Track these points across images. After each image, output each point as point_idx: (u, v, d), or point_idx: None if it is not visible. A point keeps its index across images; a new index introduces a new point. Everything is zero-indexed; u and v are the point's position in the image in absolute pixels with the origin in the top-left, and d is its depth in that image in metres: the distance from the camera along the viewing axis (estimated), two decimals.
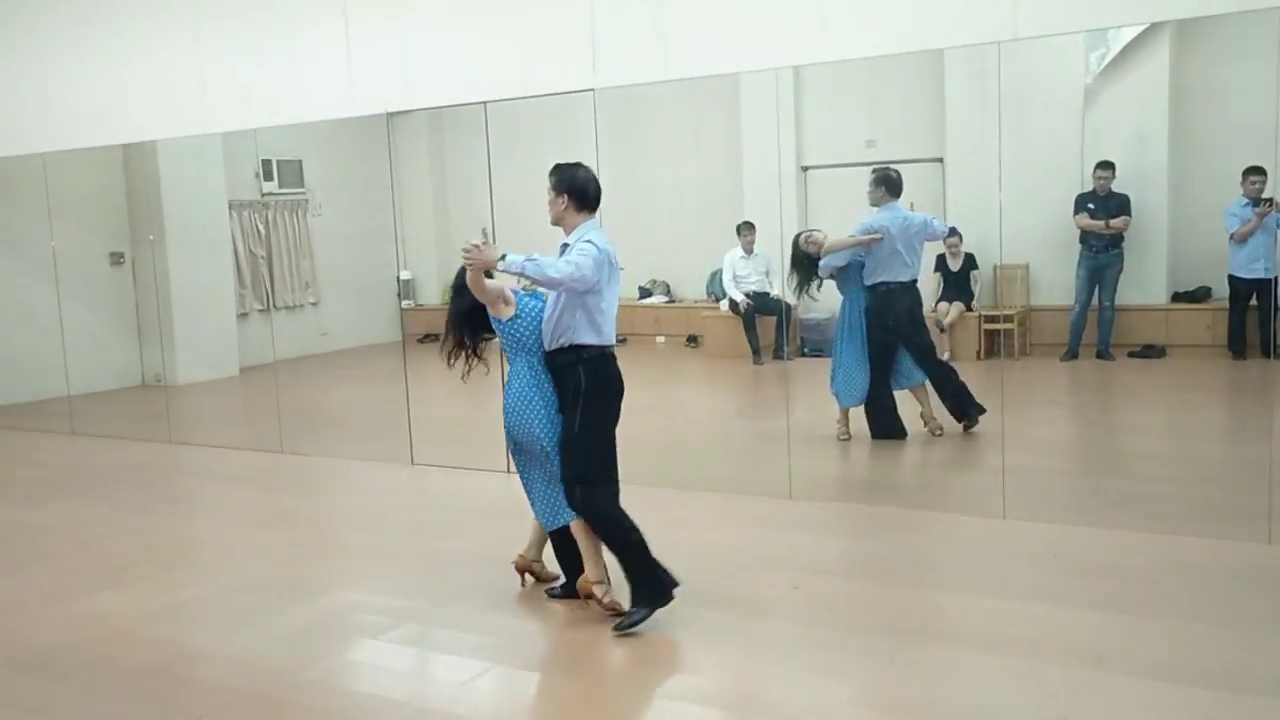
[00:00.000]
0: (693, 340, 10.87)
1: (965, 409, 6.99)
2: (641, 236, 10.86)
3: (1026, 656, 3.76)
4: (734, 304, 9.59)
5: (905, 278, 7.03)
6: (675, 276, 11.58)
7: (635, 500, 6.00)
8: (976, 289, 9.57)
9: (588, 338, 4.36)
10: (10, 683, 4.03)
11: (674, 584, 4.31)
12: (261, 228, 11.77)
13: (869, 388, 7.00)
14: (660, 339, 11.21)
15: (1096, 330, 9.21)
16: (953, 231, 9.50)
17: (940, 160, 9.80)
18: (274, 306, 11.76)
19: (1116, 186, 9.20)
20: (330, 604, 4.73)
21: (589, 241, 4.34)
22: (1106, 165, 9.16)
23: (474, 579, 4.92)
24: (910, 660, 3.83)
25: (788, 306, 8.98)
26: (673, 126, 11.32)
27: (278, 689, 3.88)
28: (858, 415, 7.09)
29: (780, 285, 9.14)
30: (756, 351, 9.47)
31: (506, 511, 6.11)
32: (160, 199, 10.52)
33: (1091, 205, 9.20)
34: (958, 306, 9.43)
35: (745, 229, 9.44)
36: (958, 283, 9.56)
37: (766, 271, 9.51)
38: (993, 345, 9.40)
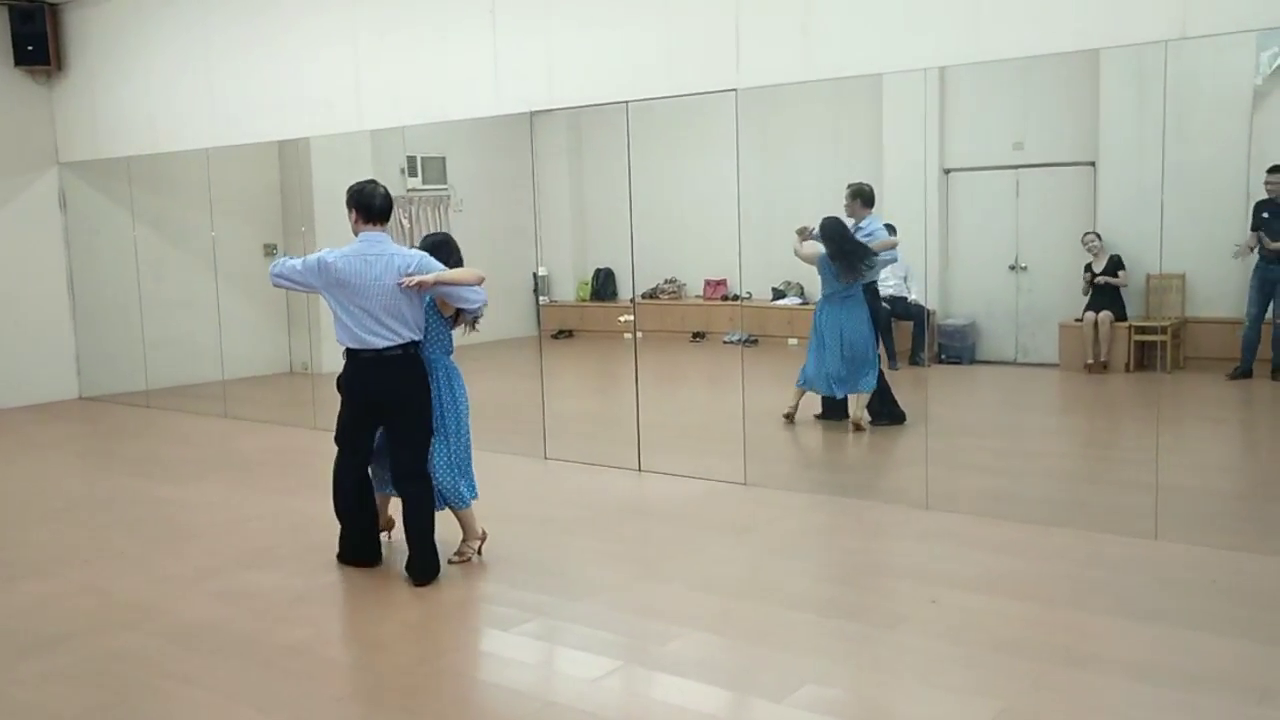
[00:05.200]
0: None
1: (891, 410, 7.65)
2: (778, 237, 10.74)
3: (1182, 688, 3.57)
4: None
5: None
6: (810, 278, 11.41)
7: (766, 503, 5.98)
8: (1123, 277, 9.14)
9: (340, 337, 4.91)
10: (166, 655, 4.23)
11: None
12: (405, 222, 12.08)
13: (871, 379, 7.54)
14: (793, 341, 11.08)
15: (1271, 347, 8.65)
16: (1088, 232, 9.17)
17: (1092, 164, 9.44)
18: None
19: None
20: (463, 594, 4.81)
21: (322, 253, 4.88)
22: (1278, 170, 8.64)
23: (604, 577, 4.94)
24: (1056, 684, 3.67)
25: (927, 312, 8.76)
26: (813, 126, 11.18)
27: (412, 675, 3.97)
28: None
29: (919, 291, 8.94)
30: (892, 357, 9.25)
31: (638, 510, 6.15)
32: (312, 194, 10.91)
33: (1266, 214, 8.67)
34: (1106, 316, 9.07)
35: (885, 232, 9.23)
36: (1105, 289, 9.20)
37: (905, 276, 9.30)
38: (1143, 357, 9.00)
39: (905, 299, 9.26)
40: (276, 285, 5.01)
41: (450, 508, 5.10)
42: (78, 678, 4.01)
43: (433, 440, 5.03)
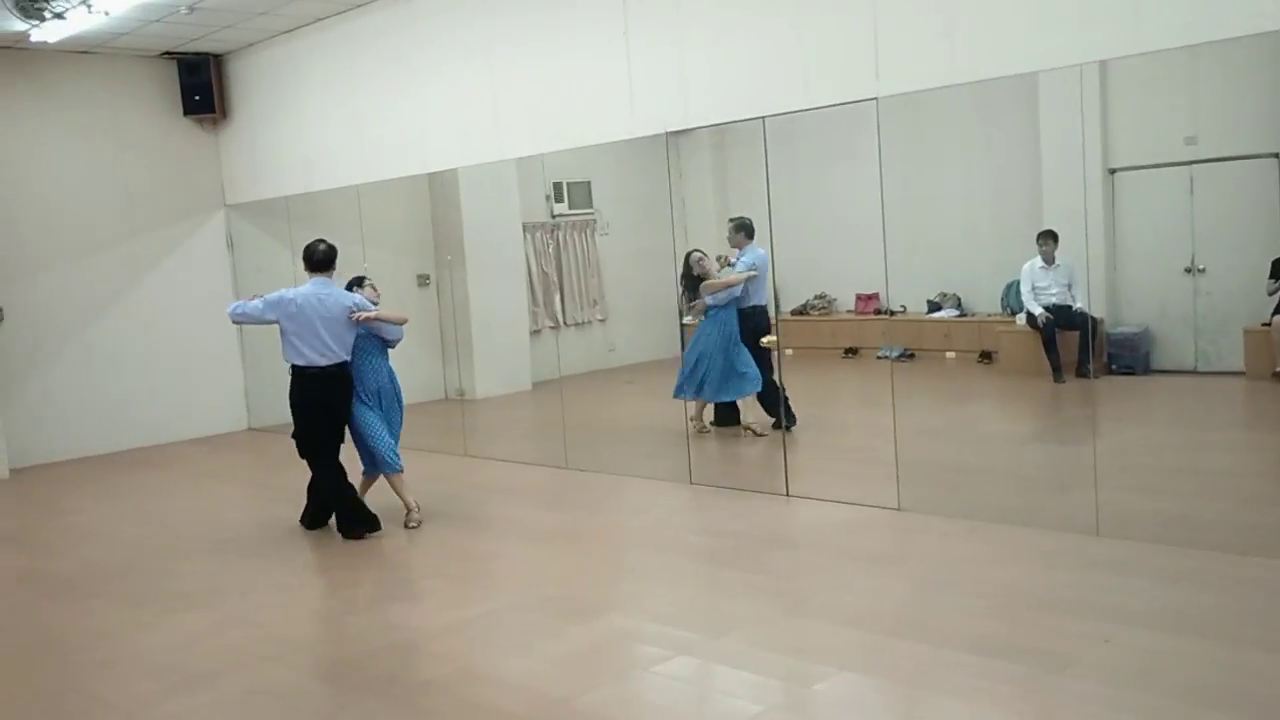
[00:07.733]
0: (986, 357, 10.23)
1: (785, 416, 7.97)
2: (929, 248, 10.36)
3: None
4: (1032, 317, 8.93)
5: (763, 301, 8.44)
6: (966, 289, 10.95)
7: (921, 530, 5.66)
8: None
9: (290, 357, 6.29)
10: (308, 690, 4.26)
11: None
12: (553, 248, 12.20)
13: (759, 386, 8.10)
14: (950, 355, 10.64)
15: None
16: None
17: (1275, 156, 8.73)
18: (564, 324, 12.16)
19: None
20: (606, 628, 4.71)
21: (282, 291, 6.35)
22: None
23: (750, 610, 4.75)
24: None
25: (1094, 321, 8.24)
26: (962, 131, 10.74)
27: (551, 715, 3.87)
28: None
29: (1084, 298, 8.43)
30: (1057, 369, 8.76)
31: (786, 539, 5.94)
32: (461, 223, 11.12)
33: None
34: None
35: (1045, 238, 8.77)
36: None
37: (1069, 283, 8.78)
38: None
39: (1070, 307, 8.74)
40: (236, 322, 6.61)
41: (385, 474, 6.53)
42: (220, 716, 4.07)
43: (376, 419, 6.54)
